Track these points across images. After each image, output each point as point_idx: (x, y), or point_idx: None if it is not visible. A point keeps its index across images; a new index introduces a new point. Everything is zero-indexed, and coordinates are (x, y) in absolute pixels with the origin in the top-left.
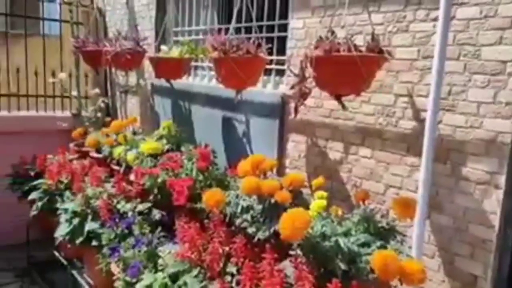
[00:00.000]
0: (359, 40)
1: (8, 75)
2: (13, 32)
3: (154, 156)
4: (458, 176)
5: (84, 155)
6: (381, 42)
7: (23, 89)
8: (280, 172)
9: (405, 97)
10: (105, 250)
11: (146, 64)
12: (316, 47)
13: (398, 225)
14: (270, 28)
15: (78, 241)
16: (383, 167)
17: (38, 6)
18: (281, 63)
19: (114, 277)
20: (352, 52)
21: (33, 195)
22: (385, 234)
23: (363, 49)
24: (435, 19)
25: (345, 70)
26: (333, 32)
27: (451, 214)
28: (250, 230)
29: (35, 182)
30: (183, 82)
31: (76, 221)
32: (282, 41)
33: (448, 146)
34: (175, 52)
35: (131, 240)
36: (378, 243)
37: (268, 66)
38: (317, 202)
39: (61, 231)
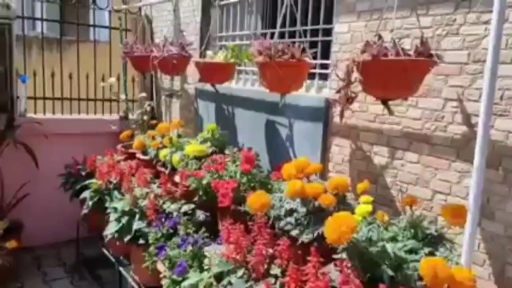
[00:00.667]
0: (406, 44)
1: (61, 80)
2: (64, 38)
3: (199, 158)
4: (511, 183)
5: (131, 156)
6: (430, 46)
7: (75, 93)
8: (323, 176)
9: (454, 101)
10: (151, 248)
11: (191, 69)
12: (362, 52)
13: (447, 232)
14: (314, 33)
15: (126, 239)
16: (431, 173)
17: (84, 14)
18: (325, 67)
19: (161, 275)
20: (400, 56)
21: (85, 194)
22: (433, 241)
23: (411, 52)
24: (487, 22)
25: (394, 75)
26: (380, 36)
27: (503, 222)
28: (294, 232)
29: (86, 182)
30: (226, 86)
31: (124, 219)
32: (326, 45)
33: (500, 152)
34: (220, 57)
35: (176, 240)
36: (426, 250)
37: (311, 70)
38: (363, 206)
39: (111, 229)
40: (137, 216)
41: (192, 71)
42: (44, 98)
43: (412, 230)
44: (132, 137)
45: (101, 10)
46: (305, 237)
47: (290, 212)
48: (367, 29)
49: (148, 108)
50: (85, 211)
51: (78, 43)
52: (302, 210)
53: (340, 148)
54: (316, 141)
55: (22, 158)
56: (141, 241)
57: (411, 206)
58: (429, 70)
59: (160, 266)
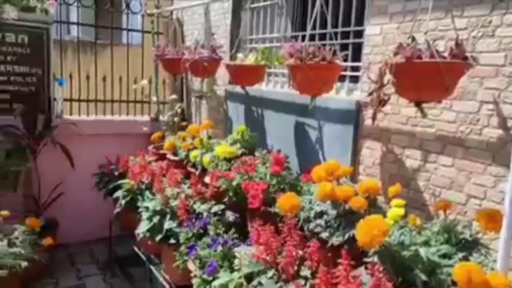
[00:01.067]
0: (441, 46)
1: (95, 82)
2: (98, 42)
3: (228, 160)
4: None
5: (162, 157)
6: (465, 48)
7: (108, 95)
8: (353, 178)
9: (490, 104)
10: (182, 248)
11: (221, 71)
12: (395, 54)
13: (482, 238)
14: (345, 35)
15: (157, 238)
16: (465, 177)
17: (117, 18)
18: (355, 69)
19: (191, 274)
20: (435, 58)
21: (117, 194)
22: (467, 246)
23: (446, 54)
24: None
25: (427, 77)
26: (413, 38)
27: None
28: (324, 235)
29: (119, 182)
30: (256, 88)
31: (156, 219)
32: (357, 47)
33: None
34: (251, 59)
35: (207, 240)
36: (460, 255)
37: (342, 73)
38: (395, 210)
39: (142, 228)
40: (168, 215)
41: (222, 73)
42: (79, 100)
43: (446, 235)
44: (163, 138)
45: (134, 14)
46: (335, 240)
47: (320, 215)
48: (400, 31)
49: (179, 110)
50: (117, 210)
51: (112, 46)
52: (332, 212)
53: (371, 151)
54: (346, 144)
55: (58, 158)
56: (172, 241)
57: (444, 210)
58: (464, 72)
59: (191, 266)
